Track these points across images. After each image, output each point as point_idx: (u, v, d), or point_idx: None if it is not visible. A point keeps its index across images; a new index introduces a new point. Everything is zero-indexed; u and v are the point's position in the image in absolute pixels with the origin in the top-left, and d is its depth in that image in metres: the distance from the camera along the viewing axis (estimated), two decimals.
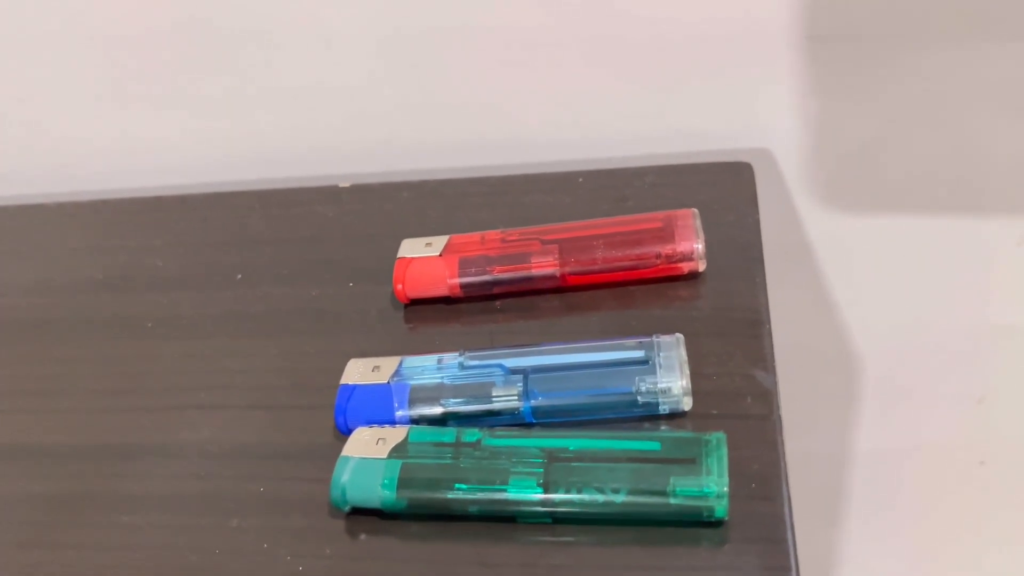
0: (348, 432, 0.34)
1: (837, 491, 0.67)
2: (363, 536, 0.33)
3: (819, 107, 0.48)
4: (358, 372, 0.36)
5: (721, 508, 0.30)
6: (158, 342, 0.42)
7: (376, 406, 0.35)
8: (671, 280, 0.39)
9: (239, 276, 0.44)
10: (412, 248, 0.41)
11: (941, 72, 0.45)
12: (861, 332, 0.58)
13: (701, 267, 0.39)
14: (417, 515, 0.33)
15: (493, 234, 0.41)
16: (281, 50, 0.48)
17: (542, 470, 0.31)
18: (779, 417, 0.34)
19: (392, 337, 0.40)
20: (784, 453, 0.33)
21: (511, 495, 0.31)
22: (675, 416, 0.34)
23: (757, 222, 0.41)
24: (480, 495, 0.31)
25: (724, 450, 0.31)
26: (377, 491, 0.32)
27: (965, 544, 0.69)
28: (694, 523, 0.31)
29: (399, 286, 0.40)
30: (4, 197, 0.54)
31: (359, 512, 0.33)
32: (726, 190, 0.43)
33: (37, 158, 0.54)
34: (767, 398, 0.34)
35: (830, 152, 0.50)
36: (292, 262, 0.44)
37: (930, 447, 0.63)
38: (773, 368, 0.35)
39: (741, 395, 0.34)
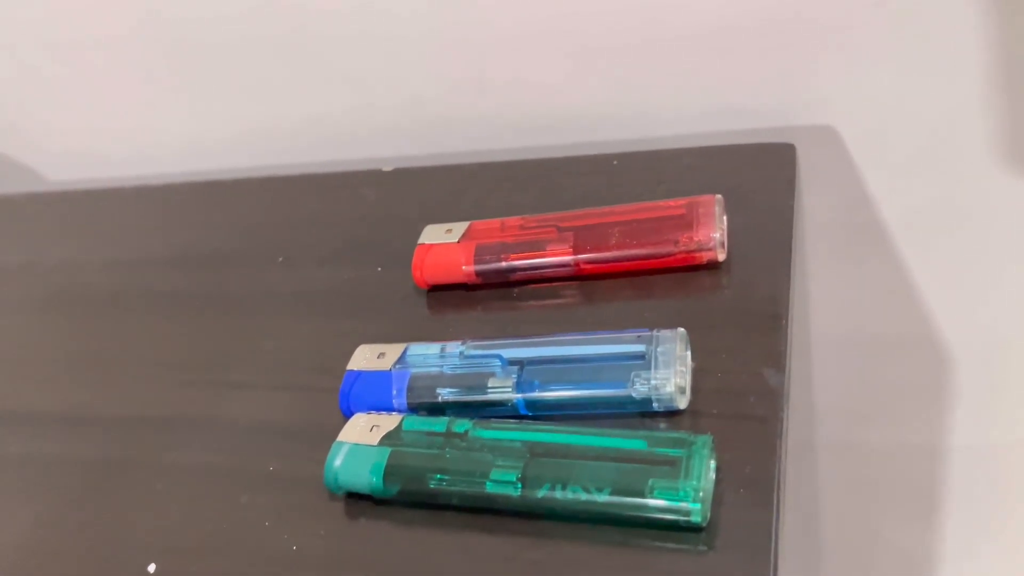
0: (351, 416, 0.35)
1: (931, 487, 0.63)
2: (358, 519, 0.34)
3: (889, 79, 0.44)
4: (364, 358, 0.37)
5: (697, 514, 0.29)
6: (205, 319, 0.44)
7: (377, 393, 0.35)
8: (692, 270, 0.38)
9: (281, 258, 0.46)
10: (433, 234, 0.41)
11: None
12: (947, 318, 0.54)
13: (721, 257, 0.37)
14: (407, 502, 0.33)
15: (513, 220, 0.40)
16: (337, 35, 0.49)
17: (522, 464, 0.31)
18: (782, 419, 0.32)
19: (411, 323, 0.40)
20: (783, 457, 0.31)
21: (490, 490, 0.31)
22: (672, 414, 0.33)
23: (791, 208, 0.39)
24: (461, 487, 0.31)
25: (707, 453, 0.30)
26: (366, 477, 0.33)
27: None
28: (676, 527, 0.30)
29: (418, 272, 0.40)
30: (83, 180, 0.58)
31: (357, 496, 0.34)
32: (765, 173, 0.41)
33: (114, 144, 0.58)
34: (772, 398, 0.32)
35: (902, 127, 0.46)
36: (330, 245, 0.46)
37: None
38: (785, 366, 0.33)
39: (745, 394, 0.33)
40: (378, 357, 0.37)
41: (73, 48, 0.54)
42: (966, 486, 0.61)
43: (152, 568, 0.35)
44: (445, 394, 0.35)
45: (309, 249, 0.46)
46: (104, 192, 0.55)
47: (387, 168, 0.49)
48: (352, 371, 0.37)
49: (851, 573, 0.69)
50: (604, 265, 0.38)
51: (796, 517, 0.65)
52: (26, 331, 0.48)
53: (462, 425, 0.33)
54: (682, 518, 0.29)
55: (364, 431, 0.34)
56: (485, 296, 0.40)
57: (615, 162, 0.44)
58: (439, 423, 0.33)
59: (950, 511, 0.63)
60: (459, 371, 0.35)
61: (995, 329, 0.53)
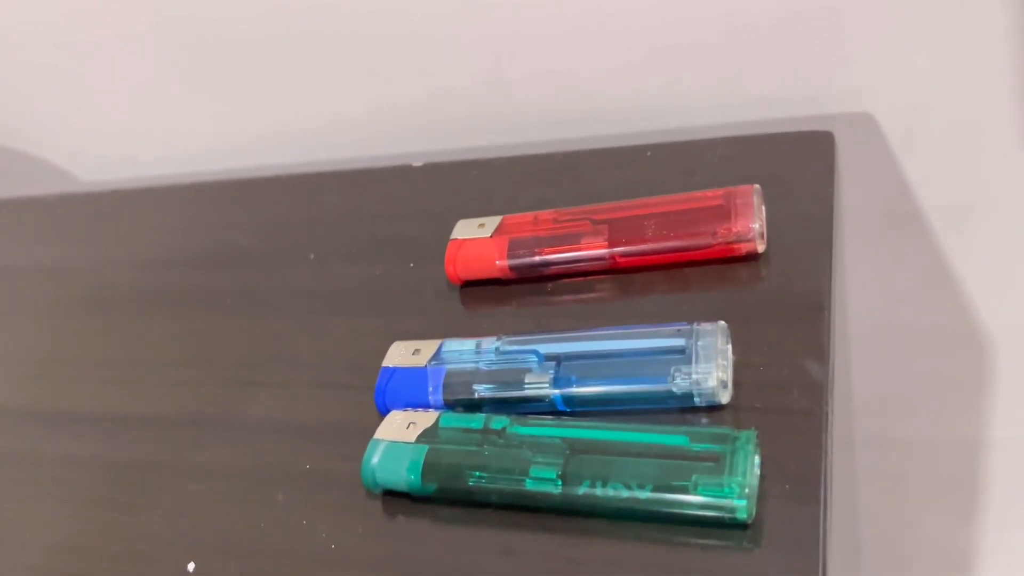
0: (387, 414, 0.35)
1: (971, 480, 0.61)
2: (396, 517, 0.33)
3: (925, 64, 0.43)
4: (399, 355, 0.36)
5: (743, 510, 0.28)
6: (236, 318, 0.44)
7: (413, 389, 0.35)
8: (730, 261, 0.37)
9: (312, 256, 0.46)
10: (465, 229, 0.40)
11: None
12: (988, 308, 0.52)
13: (760, 248, 0.36)
14: (445, 499, 0.33)
15: (546, 214, 0.40)
16: (364, 30, 0.49)
17: (562, 461, 0.31)
18: (827, 412, 0.31)
19: (444, 319, 0.40)
20: (829, 451, 0.30)
21: (529, 487, 0.31)
22: (714, 409, 0.32)
23: (831, 197, 0.38)
24: (500, 485, 0.31)
25: (751, 448, 0.29)
26: (404, 475, 0.32)
27: None
28: (720, 524, 0.29)
29: (451, 268, 0.40)
30: (115, 181, 0.58)
31: (394, 494, 0.34)
32: (803, 162, 0.40)
33: (144, 144, 0.58)
34: (816, 392, 0.32)
35: (941, 114, 0.45)
36: (362, 241, 0.45)
37: None
38: (828, 358, 0.33)
39: (788, 387, 0.32)
40: (413, 353, 0.36)
41: (100, 49, 0.54)
42: (1007, 480, 0.60)
43: (191, 567, 0.35)
44: (481, 390, 0.34)
45: (340, 246, 0.46)
46: (134, 192, 0.55)
47: (417, 163, 0.48)
48: (387, 368, 0.36)
49: (891, 568, 0.68)
50: (640, 258, 0.37)
51: (836, 511, 0.64)
52: (59, 333, 0.48)
53: (500, 422, 0.33)
54: (727, 515, 0.28)
55: (401, 428, 0.34)
56: (519, 291, 0.40)
57: (648, 153, 0.43)
58: (476, 420, 0.33)
59: (990, 505, 0.62)
60: (495, 367, 0.34)
61: None
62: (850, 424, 0.60)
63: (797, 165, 0.40)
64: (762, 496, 0.29)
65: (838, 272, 0.51)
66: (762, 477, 0.30)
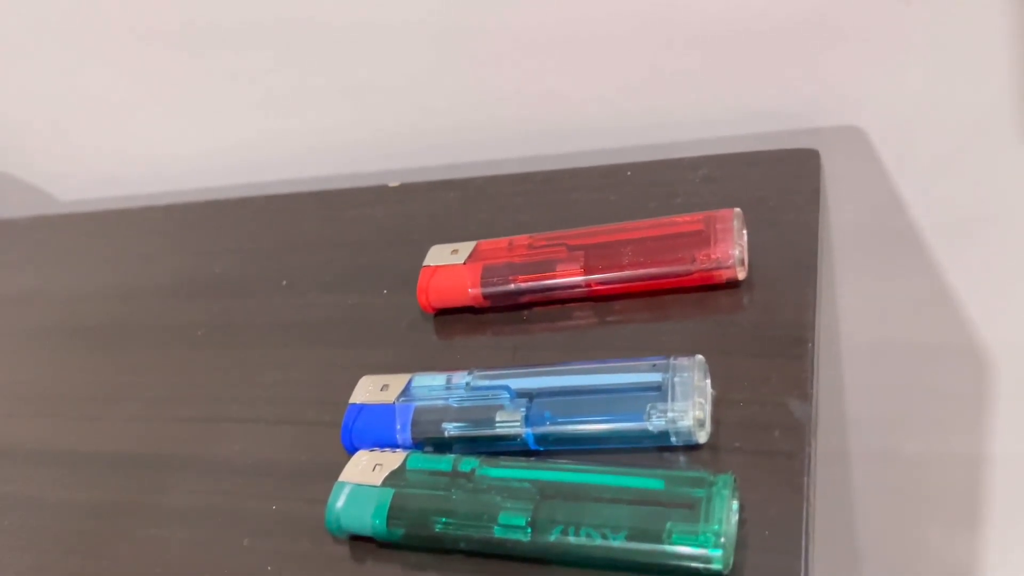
0: (355, 453, 0.34)
1: (972, 496, 0.60)
2: (364, 563, 0.32)
3: (917, 77, 0.42)
4: (367, 391, 0.35)
5: (719, 560, 0.27)
6: (205, 351, 0.43)
7: (381, 427, 0.34)
8: (711, 289, 0.35)
9: (285, 282, 0.44)
10: (439, 256, 0.39)
11: None
12: (984, 323, 0.51)
13: (741, 275, 0.35)
14: (413, 546, 0.31)
15: (521, 239, 0.38)
16: (336, 47, 0.48)
17: (532, 507, 0.29)
18: (810, 454, 0.30)
19: (417, 350, 0.38)
20: (812, 496, 0.29)
21: (498, 535, 0.29)
22: (692, 448, 0.31)
23: (815, 221, 0.36)
24: (469, 531, 0.30)
25: (727, 493, 0.28)
26: (368, 520, 0.31)
27: None
28: (696, 574, 0.28)
29: (423, 296, 0.38)
30: (92, 200, 0.57)
31: (363, 538, 0.32)
32: (789, 182, 0.39)
33: (121, 164, 0.57)
34: (798, 432, 0.30)
35: (933, 128, 0.43)
36: (336, 268, 0.44)
37: None
38: (811, 395, 0.31)
39: (770, 427, 0.31)
40: (381, 389, 0.35)
41: (79, 68, 0.53)
42: (1008, 495, 0.59)
43: None
44: (451, 429, 0.33)
45: (314, 272, 0.44)
46: (109, 214, 0.54)
47: (393, 183, 0.47)
48: (355, 404, 0.35)
49: None
50: (617, 286, 0.36)
51: (833, 528, 0.62)
52: (22, 365, 0.47)
53: (469, 463, 0.31)
54: (702, 565, 0.27)
55: (367, 470, 0.32)
56: (494, 319, 0.38)
57: (629, 173, 0.42)
58: (444, 461, 0.32)
59: (992, 521, 0.60)
60: (466, 404, 0.33)
61: None
62: (846, 440, 0.59)
63: (782, 186, 0.39)
64: (741, 543, 0.28)
65: (827, 292, 0.50)
66: (741, 523, 0.28)
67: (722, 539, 0.27)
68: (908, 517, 0.62)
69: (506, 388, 0.33)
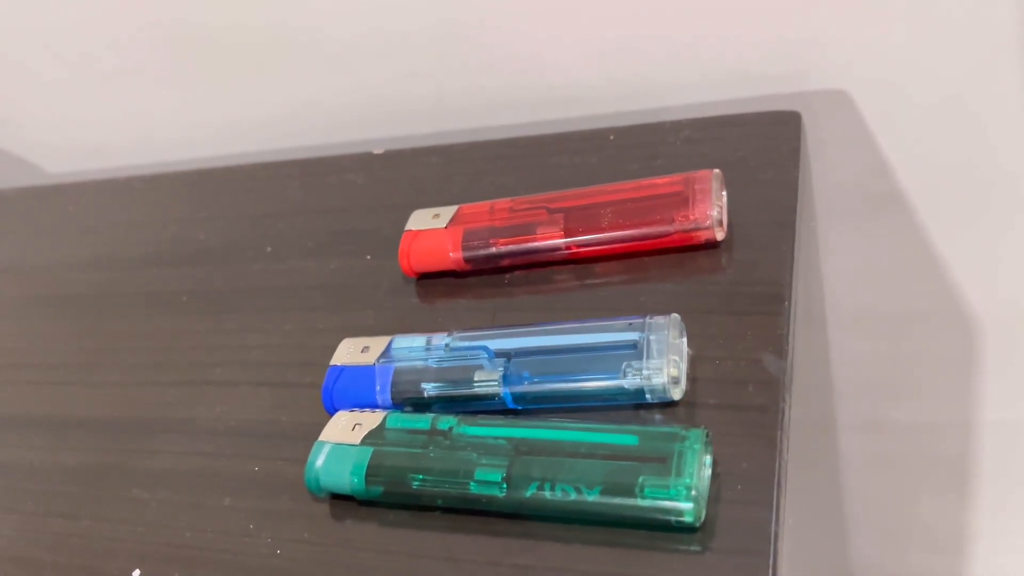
0: (335, 414, 0.34)
1: (961, 463, 0.60)
2: (343, 522, 0.32)
3: (903, 38, 0.41)
4: (348, 352, 0.35)
5: (690, 513, 0.27)
6: (190, 317, 0.43)
7: (361, 388, 0.34)
8: (690, 250, 0.35)
9: (268, 249, 0.44)
10: (420, 220, 0.39)
11: None
12: (972, 289, 0.51)
13: (719, 236, 0.35)
14: (392, 503, 0.32)
15: (502, 203, 0.38)
16: (325, 15, 0.47)
17: (508, 463, 0.29)
18: (784, 409, 0.30)
19: (399, 313, 0.39)
20: (785, 450, 0.29)
21: (474, 491, 0.29)
22: (668, 405, 0.31)
23: (795, 181, 0.36)
24: (446, 488, 0.30)
25: (699, 447, 0.28)
26: (347, 478, 0.31)
27: None
28: (669, 527, 0.28)
29: (405, 261, 0.38)
30: (80, 172, 0.57)
31: (343, 497, 0.33)
32: (769, 144, 0.39)
33: (108, 135, 0.57)
34: (772, 387, 0.30)
35: (918, 90, 0.43)
36: (319, 234, 0.44)
37: None
38: (787, 352, 0.31)
39: (744, 383, 0.31)
40: (362, 351, 0.35)
41: (63, 39, 0.53)
42: (997, 461, 0.59)
43: (136, 574, 0.34)
44: (430, 389, 0.33)
45: (297, 239, 0.44)
46: (94, 184, 0.54)
47: (378, 151, 0.47)
48: (335, 366, 0.35)
49: (882, 552, 0.67)
50: (597, 248, 0.36)
51: (820, 499, 0.63)
52: (7, 334, 0.47)
53: (446, 422, 0.31)
54: (674, 518, 0.27)
55: (346, 430, 0.32)
56: (475, 283, 0.38)
57: (612, 137, 0.42)
58: (423, 420, 0.32)
59: (981, 487, 0.61)
60: (445, 364, 0.33)
61: (1022, 299, 0.50)
62: (832, 409, 0.59)
63: (763, 147, 0.38)
64: (714, 497, 0.28)
65: (809, 257, 0.50)
66: (715, 477, 0.29)
67: (693, 492, 0.27)
68: (897, 485, 0.62)
69: (485, 348, 0.33)
